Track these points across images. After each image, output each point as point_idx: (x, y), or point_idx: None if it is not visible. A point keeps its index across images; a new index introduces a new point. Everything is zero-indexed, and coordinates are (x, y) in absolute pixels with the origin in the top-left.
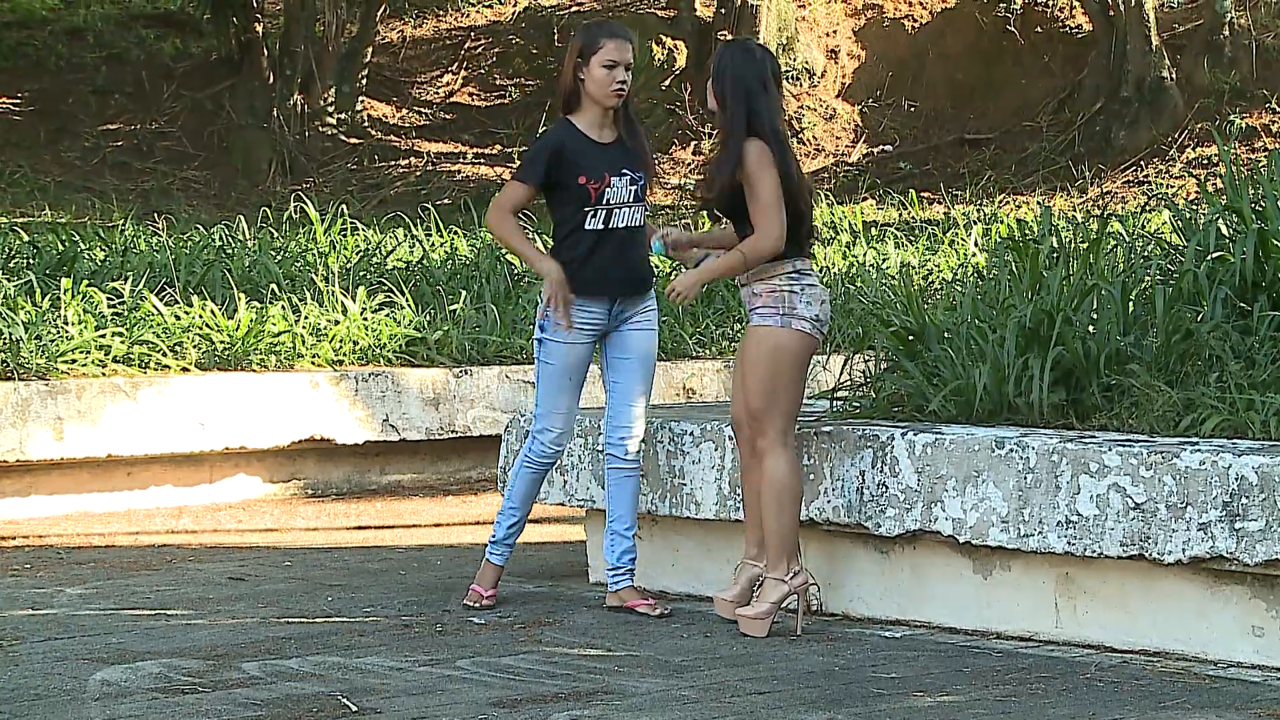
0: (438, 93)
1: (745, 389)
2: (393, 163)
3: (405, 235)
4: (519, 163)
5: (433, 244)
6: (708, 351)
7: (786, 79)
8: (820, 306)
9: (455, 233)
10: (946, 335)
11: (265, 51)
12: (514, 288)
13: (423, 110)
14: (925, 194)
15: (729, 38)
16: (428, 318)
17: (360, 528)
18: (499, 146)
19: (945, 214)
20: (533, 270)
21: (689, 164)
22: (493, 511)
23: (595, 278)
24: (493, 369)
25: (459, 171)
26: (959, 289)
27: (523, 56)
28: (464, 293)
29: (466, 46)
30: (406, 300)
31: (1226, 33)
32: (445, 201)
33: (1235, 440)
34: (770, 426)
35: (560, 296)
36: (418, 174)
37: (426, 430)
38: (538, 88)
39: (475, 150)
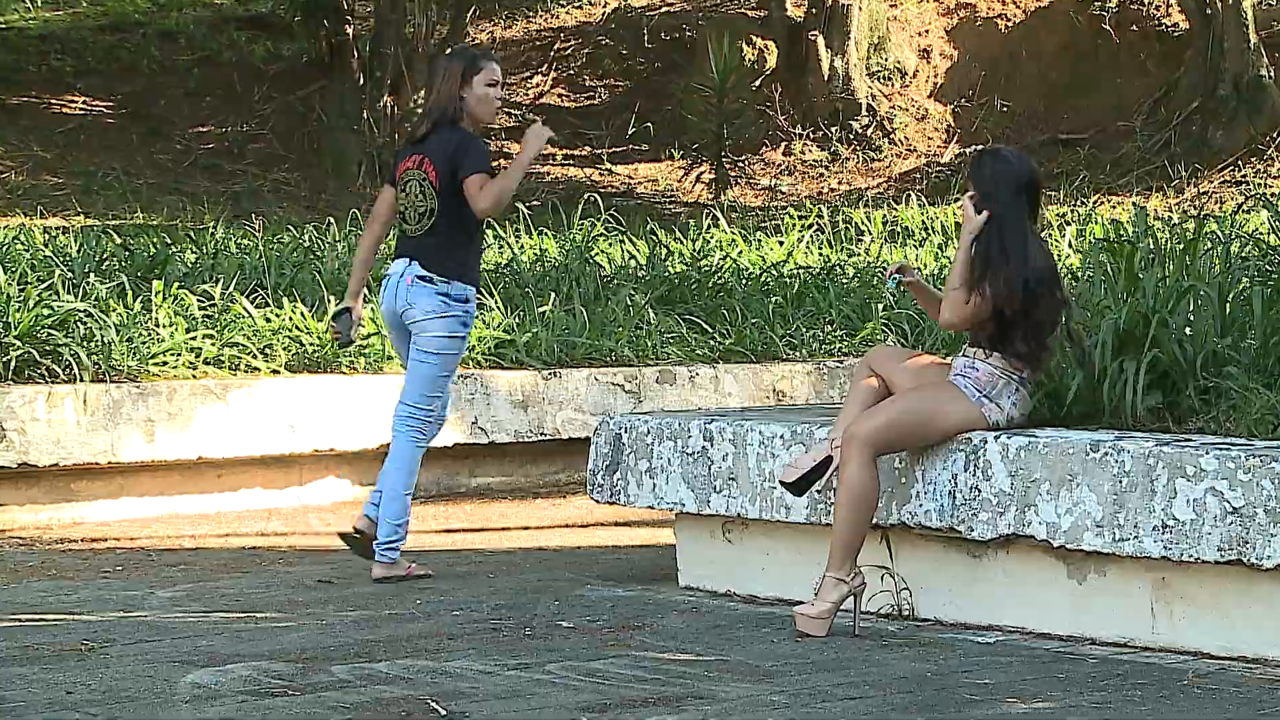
0: (527, 94)
1: (877, 410)
2: None
3: (494, 237)
4: (476, 161)
5: (522, 246)
6: (798, 354)
7: (877, 79)
8: (1020, 414)
9: (545, 234)
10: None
11: (355, 54)
12: (603, 290)
13: (512, 111)
14: None
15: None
16: (516, 320)
17: (449, 530)
18: (588, 148)
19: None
20: (532, 156)
21: (779, 165)
22: (582, 514)
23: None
24: (581, 371)
25: (548, 173)
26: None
27: (612, 58)
28: (553, 294)
29: (556, 48)
30: (495, 302)
31: None
32: (535, 203)
33: None
34: (866, 441)
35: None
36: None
37: (515, 433)
38: (627, 88)
39: (564, 152)
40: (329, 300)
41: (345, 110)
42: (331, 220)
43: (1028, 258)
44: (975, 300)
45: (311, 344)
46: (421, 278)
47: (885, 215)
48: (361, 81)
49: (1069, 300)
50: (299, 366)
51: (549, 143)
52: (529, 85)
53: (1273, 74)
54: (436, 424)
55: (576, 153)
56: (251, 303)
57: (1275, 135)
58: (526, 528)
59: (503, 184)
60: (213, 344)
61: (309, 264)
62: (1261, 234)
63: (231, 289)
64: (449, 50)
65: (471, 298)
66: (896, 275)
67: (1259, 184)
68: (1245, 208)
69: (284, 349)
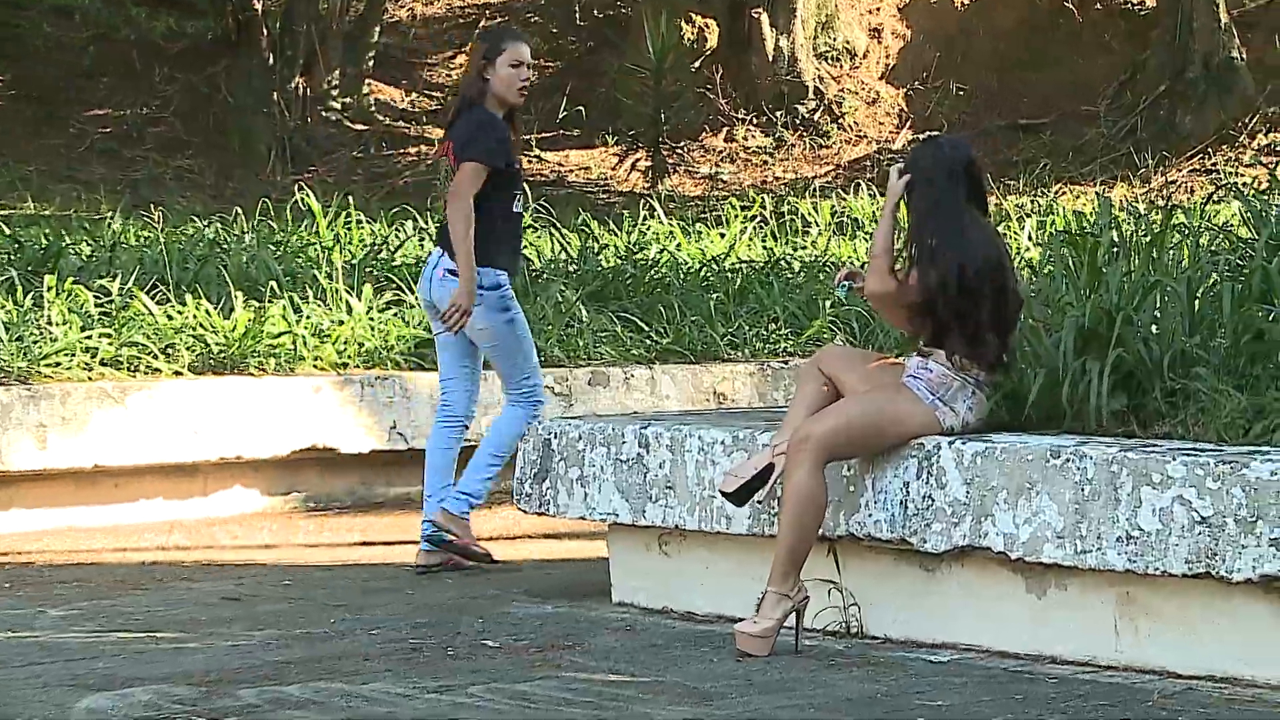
0: (450, 75)
1: (826, 413)
2: (402, 150)
3: (415, 228)
4: (474, 147)
5: None
6: (740, 354)
7: (825, 60)
8: (975, 418)
9: None
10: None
11: (265, 31)
12: (531, 285)
13: (434, 94)
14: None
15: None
16: None
17: (366, 543)
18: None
19: (997, 205)
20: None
21: (720, 151)
22: (508, 525)
23: (517, 255)
24: None
25: None
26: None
27: (541, 36)
28: None
29: (481, 26)
30: (416, 299)
31: None
32: None
33: None
34: (813, 447)
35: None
36: (428, 162)
37: None
38: (557, 69)
39: None
40: (236, 296)
41: (254, 91)
42: (239, 210)
43: (964, 248)
44: (903, 280)
45: (217, 344)
46: (450, 271)
47: (834, 206)
48: (271, 61)
49: (1022, 292)
50: (203, 368)
51: None
52: (452, 66)
53: (1245, 55)
54: (538, 401)
55: None
56: (152, 299)
57: (1247, 121)
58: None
59: (459, 226)
60: (110, 343)
61: (214, 257)
62: (1232, 226)
63: (130, 284)
64: (481, 28)
65: (503, 282)
66: (846, 281)
67: (1230, 173)
68: (1215, 198)
69: (187, 349)
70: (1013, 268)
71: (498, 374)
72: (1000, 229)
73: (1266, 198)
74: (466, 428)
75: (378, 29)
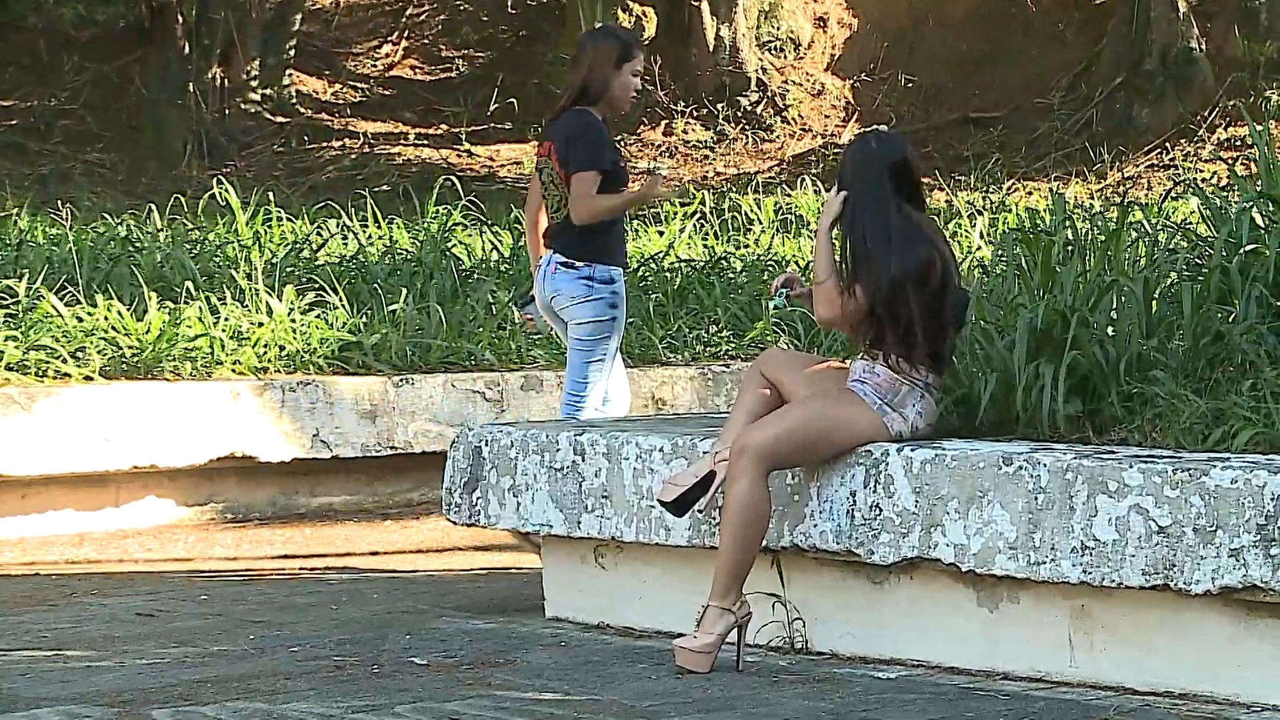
0: (375, 66)
1: (769, 420)
2: (324, 144)
3: (338, 226)
4: (587, 155)
5: (370, 236)
6: (680, 357)
7: (768, 50)
8: (925, 424)
9: (395, 223)
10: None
11: (180, 19)
12: (460, 286)
13: (358, 85)
14: (924, 179)
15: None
16: (364, 320)
17: (287, 556)
18: (444, 126)
19: (947, 202)
20: (640, 200)
21: (659, 145)
22: (437, 537)
23: (625, 252)
24: (437, 377)
25: (399, 154)
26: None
27: (472, 25)
28: (405, 291)
29: (408, 14)
30: (340, 300)
31: None
32: (384, 188)
33: (1271, 456)
34: (756, 455)
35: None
36: (353, 157)
37: (362, 446)
38: (488, 60)
39: (418, 130)
40: (149, 297)
41: (168, 82)
42: (152, 206)
43: (895, 250)
44: (849, 297)
45: (130, 347)
46: (563, 264)
47: (777, 202)
48: (187, 50)
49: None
50: (115, 372)
51: (653, 189)
52: (377, 56)
53: (1204, 46)
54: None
55: (431, 131)
56: (61, 300)
57: (1206, 114)
58: (374, 553)
59: (605, 205)
60: (16, 347)
61: (127, 257)
62: (1191, 224)
63: (38, 285)
64: (598, 28)
65: (617, 278)
66: (784, 289)
67: (1188, 168)
68: (1173, 194)
69: (98, 353)
70: (954, 266)
71: (568, 371)
72: (951, 227)
73: (1226, 194)
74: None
75: (299, 17)
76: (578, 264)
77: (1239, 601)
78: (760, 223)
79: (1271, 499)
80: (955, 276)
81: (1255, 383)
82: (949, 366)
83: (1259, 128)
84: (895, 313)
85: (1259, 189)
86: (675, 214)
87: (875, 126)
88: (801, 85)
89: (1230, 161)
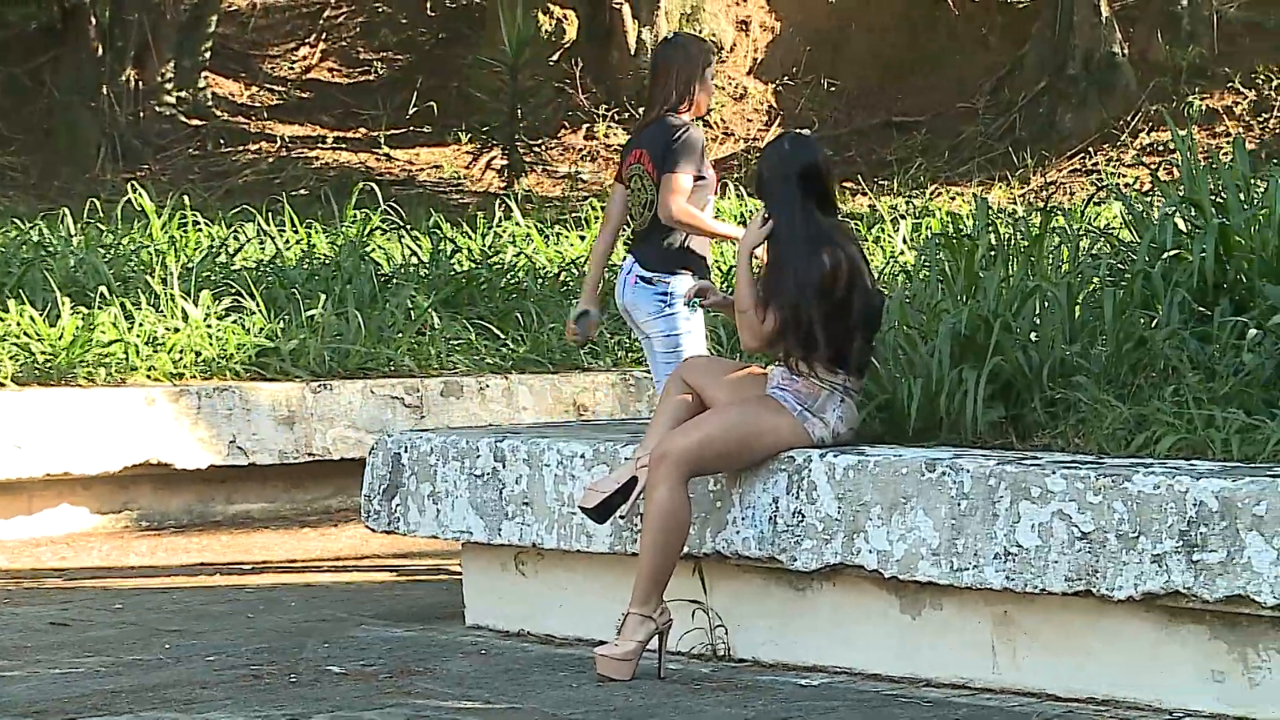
0: (292, 68)
1: (690, 426)
2: (241, 147)
3: (255, 230)
4: (684, 159)
5: (287, 241)
6: (601, 363)
7: None
8: (846, 428)
9: (313, 227)
10: (873, 345)
11: (93, 20)
12: (380, 291)
13: (275, 88)
14: (847, 184)
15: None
16: (281, 325)
17: (203, 564)
18: (363, 130)
19: (870, 206)
20: (730, 238)
21: (580, 149)
22: (356, 545)
23: (707, 265)
24: (355, 383)
25: (317, 158)
26: (885, 291)
27: (390, 28)
28: (323, 297)
29: (326, 15)
30: (257, 305)
31: (1185, 3)
32: (302, 192)
33: (1193, 461)
34: (677, 461)
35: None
36: (270, 160)
37: (279, 453)
38: (408, 63)
39: (336, 133)
40: (63, 302)
41: (81, 84)
42: (65, 211)
43: (799, 255)
44: (770, 320)
45: (43, 353)
46: (643, 278)
47: None
48: (100, 52)
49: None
50: (28, 378)
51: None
52: (295, 58)
53: (1126, 51)
54: None
55: (350, 135)
56: None
57: (1129, 119)
58: (292, 561)
59: (696, 216)
60: None
61: (39, 261)
62: (1114, 229)
63: None
64: (674, 35)
65: None
66: (695, 299)
67: (1111, 173)
68: (1096, 199)
69: (10, 359)
70: (864, 269)
71: (657, 381)
72: (874, 232)
73: (1149, 199)
74: None
75: (214, 19)
76: (656, 281)
77: (1161, 607)
78: None
79: (1194, 505)
80: (866, 279)
81: (1178, 388)
82: (869, 370)
83: (1181, 133)
84: (796, 317)
85: (1181, 194)
86: (597, 218)
87: (794, 130)
88: (724, 89)
89: (1153, 166)
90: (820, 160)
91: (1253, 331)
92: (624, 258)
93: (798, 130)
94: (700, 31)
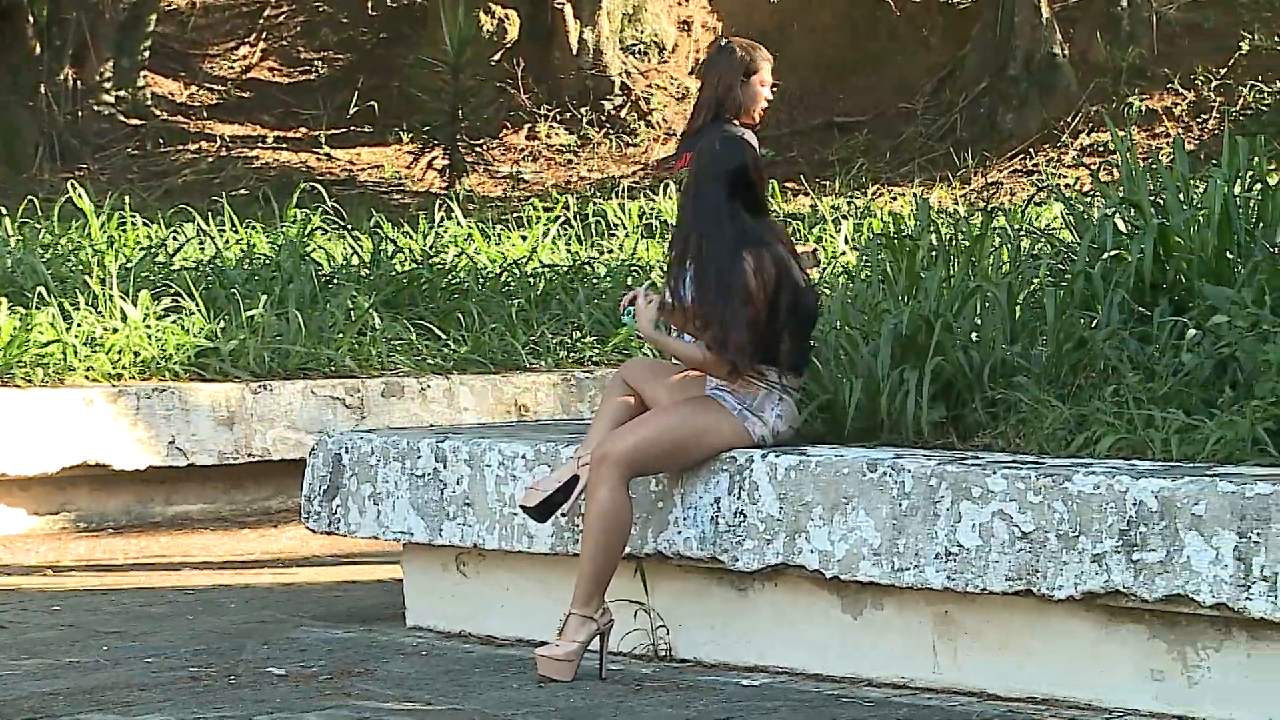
0: (232, 68)
1: (631, 426)
2: (180, 147)
3: (195, 230)
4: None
5: (227, 241)
6: (543, 363)
7: (632, 54)
8: (786, 427)
9: (253, 227)
10: (813, 344)
11: (30, 19)
12: (320, 291)
13: (215, 87)
14: (789, 184)
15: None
16: (221, 325)
17: (141, 566)
18: (304, 129)
19: (812, 207)
20: None
21: (522, 149)
22: (296, 546)
23: None
24: (296, 383)
25: (257, 157)
26: (827, 291)
27: (331, 27)
28: (263, 297)
29: (266, 15)
30: (197, 305)
31: (1125, 4)
32: (242, 192)
33: (1133, 461)
34: (618, 462)
35: None
36: (209, 160)
37: (219, 453)
38: (348, 62)
39: (276, 133)
40: (0, 302)
41: (19, 84)
42: (3, 210)
43: (722, 257)
44: (727, 351)
45: None
46: None
47: (642, 207)
48: (38, 51)
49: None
50: None
51: None
52: (234, 58)
53: (1067, 52)
54: None
55: (290, 134)
56: None
57: (1070, 120)
58: (231, 562)
59: None
60: None
61: None
62: (1054, 229)
63: None
64: (724, 42)
65: None
66: (631, 307)
67: (1051, 173)
68: (1037, 200)
69: None
70: (792, 268)
71: None
72: (815, 232)
73: (1089, 200)
74: None
75: (153, 18)
76: None
77: (1101, 607)
78: (624, 228)
79: (1133, 504)
80: (795, 278)
81: (1118, 388)
82: (809, 369)
83: (1121, 133)
84: (719, 315)
85: (1121, 195)
86: (539, 219)
87: (725, 130)
88: (665, 89)
89: (1093, 167)
90: (750, 162)
91: (1192, 332)
92: None
93: (727, 130)
94: (641, 32)
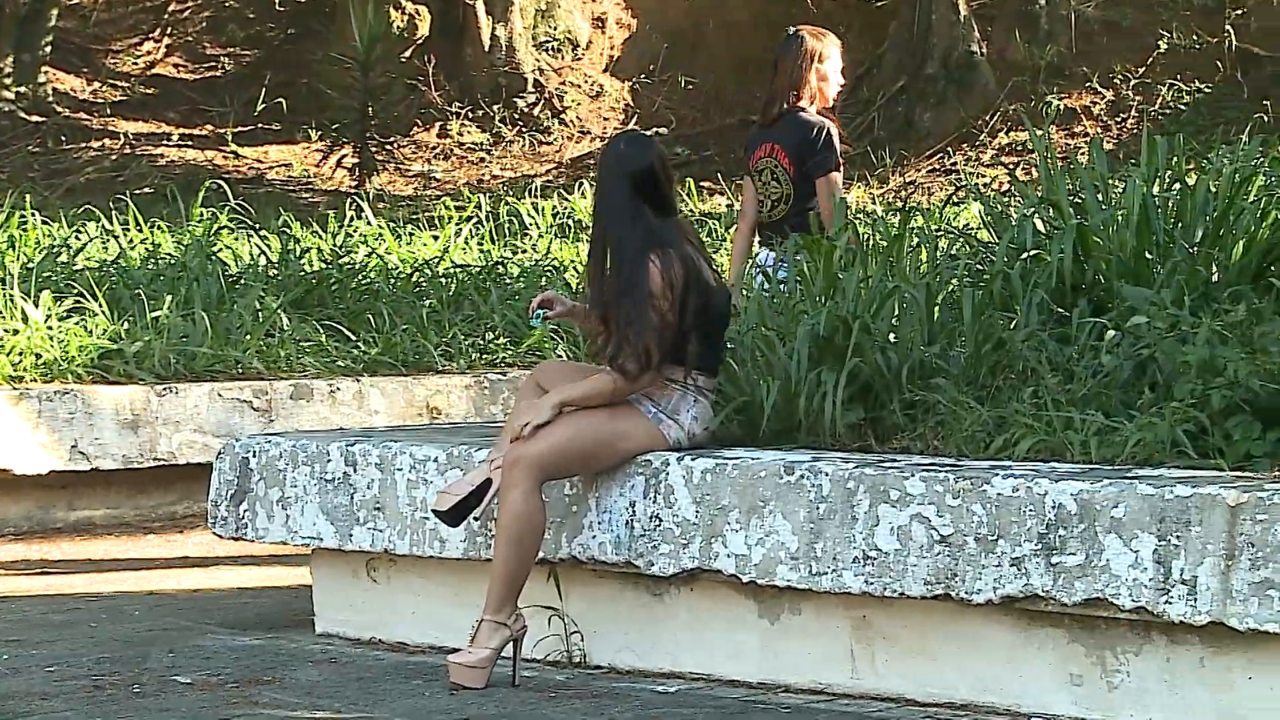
0: (136, 63)
1: (544, 431)
2: (83, 144)
3: (98, 229)
4: (827, 158)
5: (131, 240)
6: (455, 365)
7: (546, 51)
8: (702, 429)
9: (158, 226)
10: (730, 345)
11: None
12: (228, 291)
13: (119, 84)
14: (705, 183)
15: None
16: (125, 326)
17: (43, 572)
18: (210, 127)
19: (729, 206)
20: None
21: (433, 147)
22: (202, 551)
23: None
24: (202, 386)
25: (162, 155)
26: (744, 292)
27: (237, 22)
28: (169, 297)
29: (170, 11)
30: (100, 307)
31: (1043, 2)
32: (147, 190)
33: (1052, 464)
34: (530, 465)
35: None
36: (113, 158)
37: (123, 458)
38: (255, 58)
39: (182, 131)
40: None
41: None
42: None
43: (627, 259)
44: (647, 368)
45: None
46: (784, 262)
47: (555, 206)
48: None
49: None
50: None
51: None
52: (138, 53)
53: (985, 50)
54: None
55: (196, 132)
56: None
57: (988, 119)
58: (136, 568)
59: (835, 216)
60: None
61: None
62: (973, 229)
63: None
64: (793, 31)
65: None
66: (540, 310)
67: (970, 173)
68: (955, 199)
69: None
70: (700, 269)
71: None
72: (733, 231)
73: (1008, 199)
74: None
75: (55, 13)
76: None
77: (1020, 611)
78: (538, 227)
79: (1052, 507)
80: (705, 279)
81: (1036, 390)
82: (723, 370)
83: (1039, 132)
84: (627, 317)
85: (1040, 194)
86: (451, 218)
87: (631, 130)
88: (580, 86)
89: (1011, 166)
90: (655, 162)
91: (1111, 333)
92: (756, 252)
93: (635, 130)
94: (554, 29)
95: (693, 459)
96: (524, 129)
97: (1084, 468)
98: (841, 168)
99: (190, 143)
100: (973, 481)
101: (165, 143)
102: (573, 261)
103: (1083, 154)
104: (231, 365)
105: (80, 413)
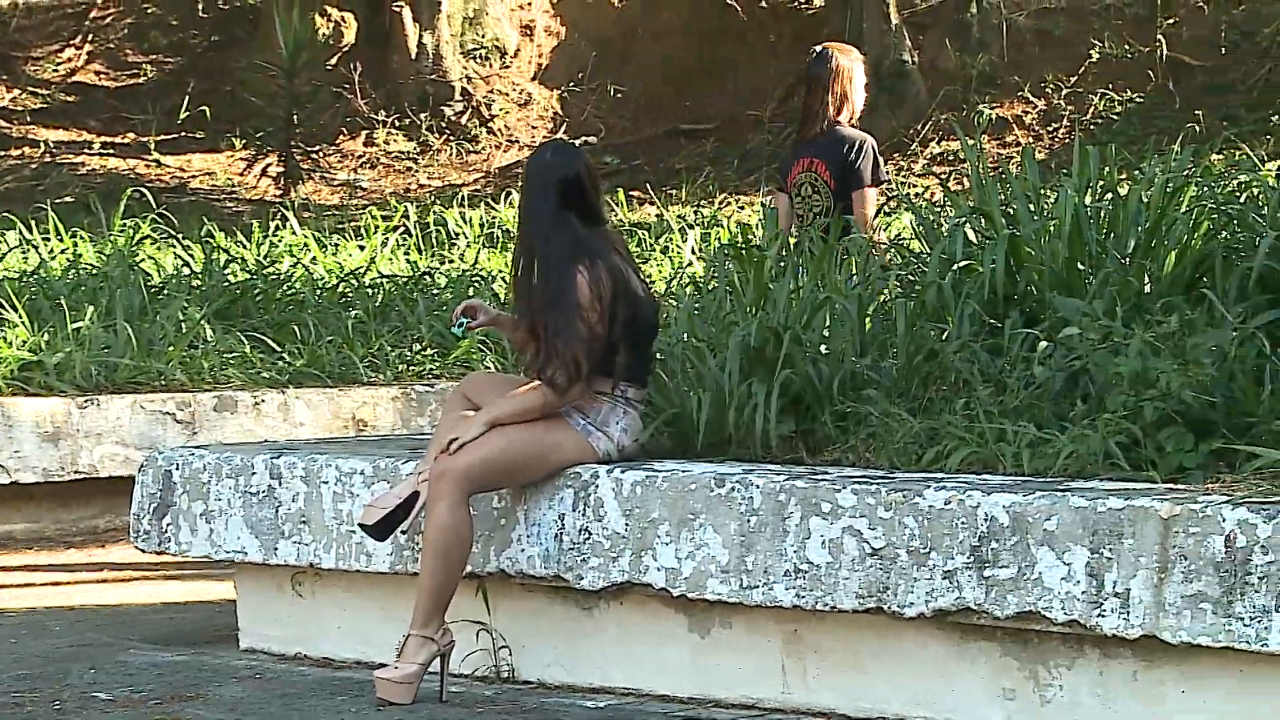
0: (57, 70)
1: (471, 444)
2: (2, 153)
3: (18, 239)
4: (870, 172)
5: (52, 250)
6: (381, 376)
7: (473, 59)
8: (631, 440)
9: (80, 236)
10: (659, 356)
11: None
12: (150, 302)
13: (39, 91)
14: (635, 193)
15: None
16: (45, 338)
17: None
18: (132, 135)
19: (658, 216)
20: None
21: (360, 156)
22: (125, 566)
23: None
24: (124, 398)
25: (83, 164)
26: (673, 302)
27: (160, 29)
28: (90, 308)
29: (92, 16)
30: (20, 317)
31: (975, 11)
32: (67, 199)
33: (985, 475)
34: (458, 478)
35: None
36: (33, 166)
37: (43, 471)
38: (178, 66)
39: (103, 139)
40: None
41: None
42: None
43: (553, 268)
44: (576, 379)
45: None
46: None
47: (483, 215)
48: None
49: (650, 294)
50: None
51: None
52: (59, 60)
53: (916, 59)
54: None
55: (118, 140)
56: None
57: (919, 128)
58: (56, 583)
59: (869, 219)
60: None
61: None
62: (904, 240)
63: None
64: (821, 49)
65: None
66: (464, 318)
67: (901, 182)
68: (886, 210)
69: None
70: (628, 279)
71: None
72: (662, 241)
73: (939, 210)
74: None
75: None
76: None
77: (953, 624)
78: (465, 237)
79: (985, 520)
80: (634, 289)
81: (969, 401)
82: (653, 381)
83: (971, 142)
84: (553, 328)
85: (972, 204)
86: (377, 228)
87: (558, 139)
88: (508, 95)
89: (943, 176)
90: (582, 170)
91: (1043, 344)
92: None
93: (561, 139)
94: (482, 36)
95: (622, 471)
96: (451, 138)
97: (1016, 480)
98: (881, 183)
99: (112, 151)
100: (905, 494)
101: (86, 151)
102: (500, 271)
103: (1015, 164)
104: (154, 377)
105: None
